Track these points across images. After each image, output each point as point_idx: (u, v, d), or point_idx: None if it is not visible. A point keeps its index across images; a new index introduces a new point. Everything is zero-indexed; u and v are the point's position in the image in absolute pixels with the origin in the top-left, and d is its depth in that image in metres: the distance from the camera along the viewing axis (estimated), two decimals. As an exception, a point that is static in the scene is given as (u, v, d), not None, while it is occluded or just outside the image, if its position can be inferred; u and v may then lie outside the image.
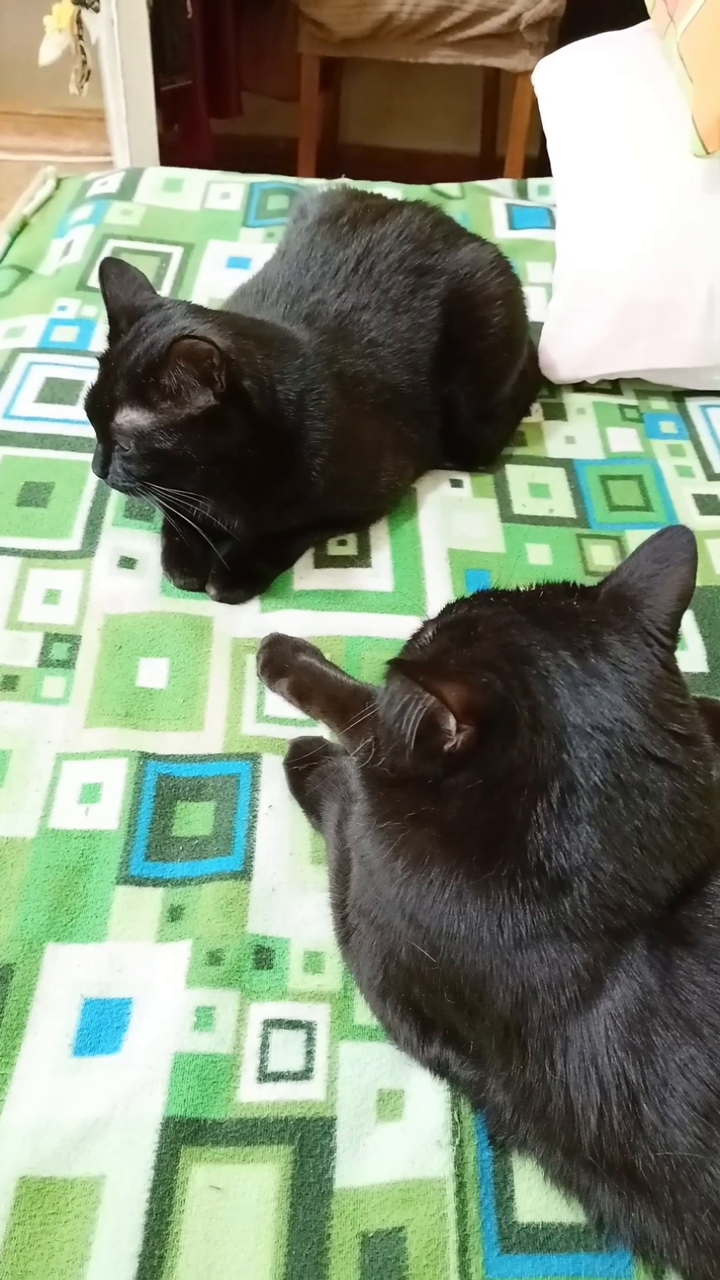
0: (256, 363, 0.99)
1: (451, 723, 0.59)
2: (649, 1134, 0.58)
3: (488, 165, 2.83)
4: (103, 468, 1.02)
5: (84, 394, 1.04)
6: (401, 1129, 0.72)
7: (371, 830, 0.66)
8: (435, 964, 0.64)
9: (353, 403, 1.09)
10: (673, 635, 0.65)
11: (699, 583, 0.68)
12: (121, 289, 1.04)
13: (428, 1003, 0.70)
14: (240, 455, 0.99)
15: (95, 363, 1.03)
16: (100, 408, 0.99)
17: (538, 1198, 0.69)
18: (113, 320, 1.04)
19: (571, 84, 1.59)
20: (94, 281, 1.46)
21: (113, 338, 1.03)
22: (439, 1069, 0.73)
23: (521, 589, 0.69)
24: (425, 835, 0.63)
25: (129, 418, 0.97)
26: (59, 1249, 0.65)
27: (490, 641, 0.62)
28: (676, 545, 0.66)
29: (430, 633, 0.69)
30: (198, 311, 1.03)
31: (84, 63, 2.05)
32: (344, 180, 1.43)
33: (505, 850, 0.59)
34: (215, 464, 0.98)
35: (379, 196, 1.30)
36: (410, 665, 0.62)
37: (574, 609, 0.65)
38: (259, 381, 0.99)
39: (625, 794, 0.59)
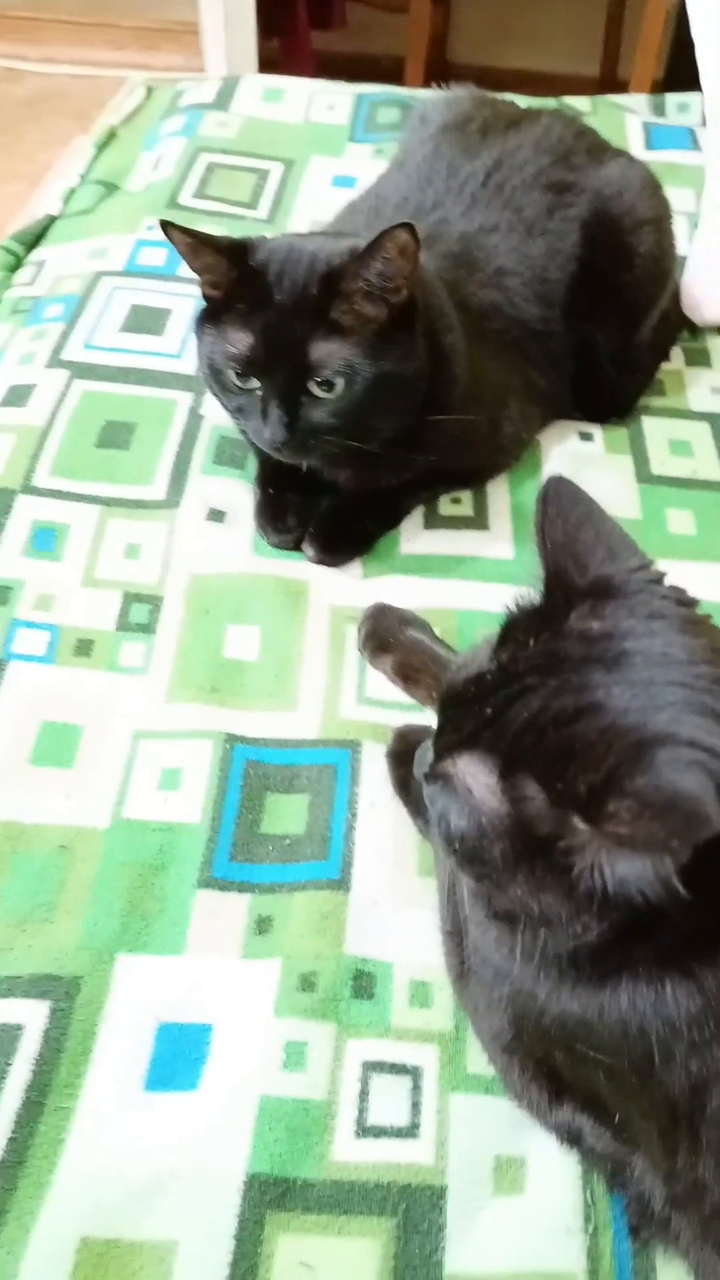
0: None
1: None
2: None
3: (609, 88, 2.61)
4: (286, 430, 0.84)
5: (232, 361, 0.85)
6: (522, 1205, 0.61)
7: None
8: (592, 1043, 0.52)
9: (477, 340, 0.95)
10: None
11: None
12: None
13: (569, 1069, 0.58)
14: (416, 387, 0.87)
15: (185, 289, 0.89)
16: (276, 359, 0.83)
17: (688, 1307, 0.58)
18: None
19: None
20: (185, 199, 1.33)
21: (264, 302, 0.84)
22: (569, 1137, 0.62)
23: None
24: None
25: (327, 350, 0.81)
26: (124, 1326, 0.56)
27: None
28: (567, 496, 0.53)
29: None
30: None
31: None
32: (469, 86, 1.27)
33: None
34: (406, 393, 0.87)
35: (511, 104, 1.14)
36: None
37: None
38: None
39: None
